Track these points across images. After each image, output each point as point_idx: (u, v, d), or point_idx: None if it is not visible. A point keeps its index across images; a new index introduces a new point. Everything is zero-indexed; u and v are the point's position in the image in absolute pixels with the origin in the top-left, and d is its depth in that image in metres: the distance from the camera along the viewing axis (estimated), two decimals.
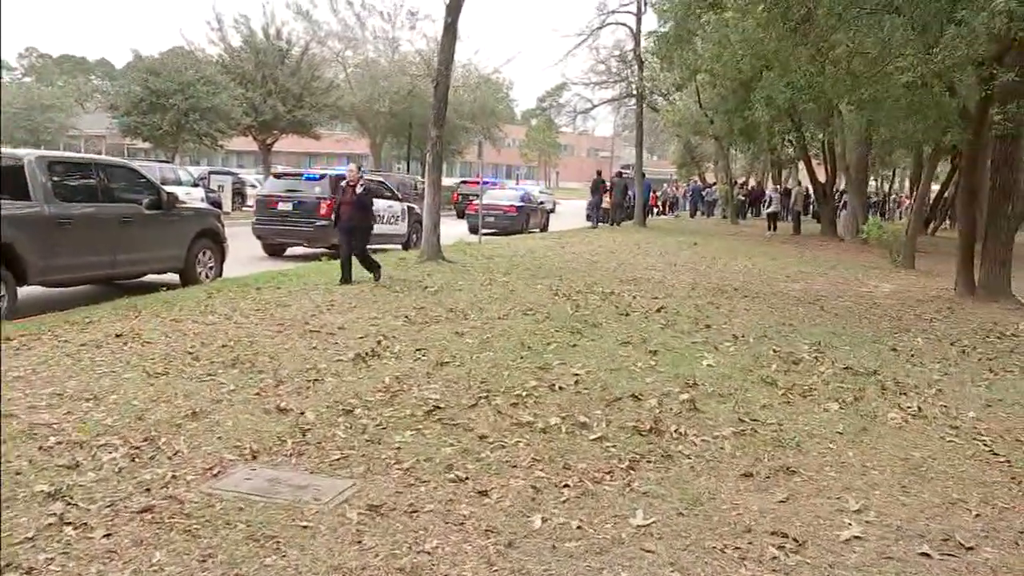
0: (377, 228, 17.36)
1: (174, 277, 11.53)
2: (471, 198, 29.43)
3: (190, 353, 6.99)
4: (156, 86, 31.25)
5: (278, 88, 35.45)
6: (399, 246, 18.57)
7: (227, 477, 4.38)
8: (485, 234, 21.49)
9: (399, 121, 44.57)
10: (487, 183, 28.78)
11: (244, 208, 28.56)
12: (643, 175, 30.97)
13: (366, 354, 7.14)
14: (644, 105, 31.85)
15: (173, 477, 4.32)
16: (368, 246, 11.85)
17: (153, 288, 10.45)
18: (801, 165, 37.36)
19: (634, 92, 32.68)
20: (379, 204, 17.61)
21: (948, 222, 38.27)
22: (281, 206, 16.42)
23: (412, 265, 13.82)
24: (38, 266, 8.99)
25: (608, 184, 30.32)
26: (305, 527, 3.82)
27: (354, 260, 11.50)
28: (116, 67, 77.52)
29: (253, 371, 6.49)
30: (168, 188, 13.26)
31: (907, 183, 53.63)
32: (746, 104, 25.01)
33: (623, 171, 38.99)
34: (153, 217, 10.81)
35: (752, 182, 50.08)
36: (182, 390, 5.87)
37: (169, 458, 4.60)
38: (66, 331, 7.67)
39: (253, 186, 31.30)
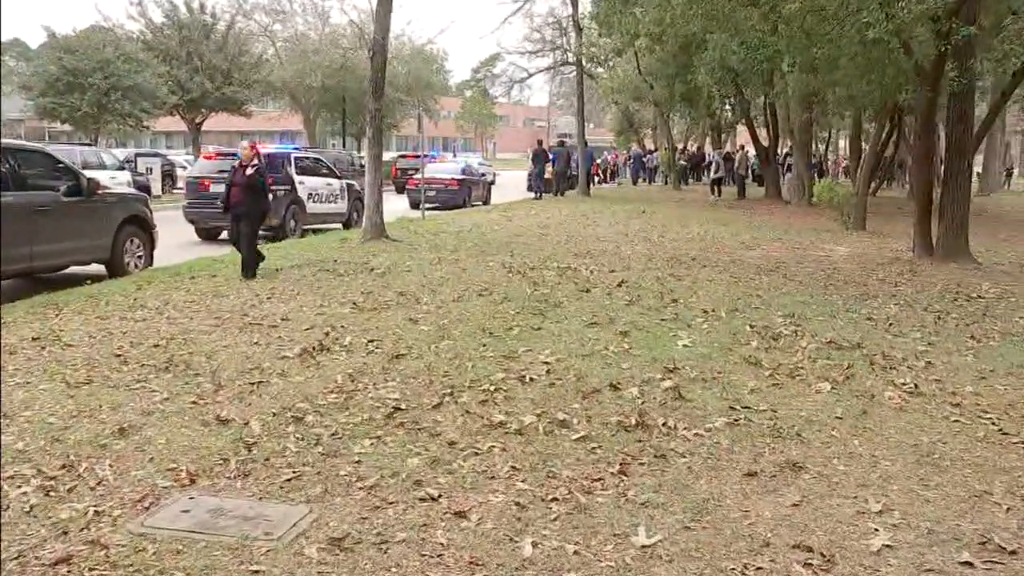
0: (317, 207, 16.76)
1: (101, 268, 10.71)
2: (411, 172, 28.62)
3: (117, 356, 6.29)
4: (72, 64, 29.68)
5: (204, 64, 34.12)
6: (340, 225, 17.88)
7: (161, 510, 3.75)
8: (427, 209, 20.80)
9: (332, 96, 43.33)
10: (429, 157, 27.91)
11: (174, 191, 27.34)
12: (585, 143, 30.45)
13: (313, 348, 6.52)
14: (583, 72, 31.26)
15: (96, 514, 3.68)
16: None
17: (77, 281, 9.64)
18: (741, 128, 37.27)
19: (570, 60, 32.05)
20: (317, 182, 16.94)
21: (886, 183, 38.54)
22: (214, 188, 15.52)
23: (355, 245, 13.14)
24: None
25: (550, 153, 29.72)
26: (256, 572, 3.23)
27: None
28: (31, 47, 74.24)
29: (189, 374, 5.83)
30: (91, 173, 12.44)
31: (841, 144, 54.17)
32: (688, 68, 24.69)
33: (563, 139, 38.32)
34: (73, 205, 10.02)
35: (693, 147, 49.92)
36: (108, 402, 5.19)
37: (91, 488, 3.95)
38: None
39: (183, 167, 29.97)
